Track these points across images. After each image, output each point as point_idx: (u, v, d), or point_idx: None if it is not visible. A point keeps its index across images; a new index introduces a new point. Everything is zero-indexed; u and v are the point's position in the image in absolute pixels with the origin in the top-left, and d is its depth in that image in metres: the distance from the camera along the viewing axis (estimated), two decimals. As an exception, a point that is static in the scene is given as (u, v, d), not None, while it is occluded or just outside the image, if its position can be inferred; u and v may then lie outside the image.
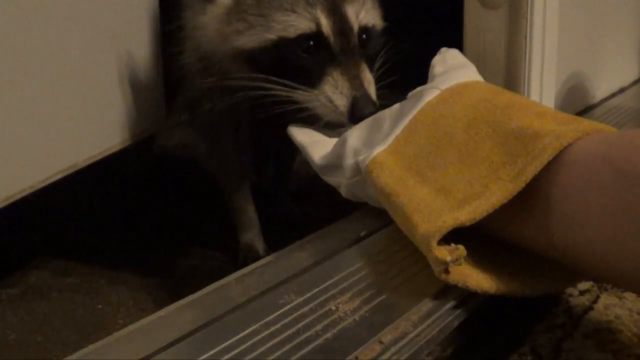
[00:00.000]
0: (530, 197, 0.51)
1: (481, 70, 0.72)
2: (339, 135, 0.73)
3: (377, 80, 0.80)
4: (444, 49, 0.77)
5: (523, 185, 0.50)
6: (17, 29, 0.80)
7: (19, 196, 0.82)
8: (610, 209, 0.46)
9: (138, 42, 1.04)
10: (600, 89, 1.17)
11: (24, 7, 0.81)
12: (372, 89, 0.77)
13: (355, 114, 0.73)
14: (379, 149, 0.63)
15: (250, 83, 0.77)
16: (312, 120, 0.77)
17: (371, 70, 0.80)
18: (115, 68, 0.99)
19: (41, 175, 0.86)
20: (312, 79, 0.75)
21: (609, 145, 0.49)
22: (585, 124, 0.53)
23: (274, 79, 0.75)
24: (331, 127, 0.75)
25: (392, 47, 0.83)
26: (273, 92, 0.76)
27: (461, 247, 0.50)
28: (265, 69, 0.76)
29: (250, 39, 0.77)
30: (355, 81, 0.75)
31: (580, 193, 0.48)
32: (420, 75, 0.74)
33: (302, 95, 0.75)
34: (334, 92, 0.75)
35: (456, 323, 0.51)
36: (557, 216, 0.49)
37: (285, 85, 0.75)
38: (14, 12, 0.79)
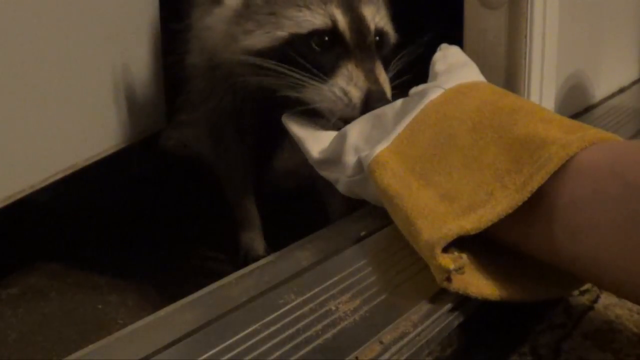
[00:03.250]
0: (535, 205, 0.50)
1: (481, 69, 0.72)
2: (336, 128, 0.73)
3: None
4: (444, 46, 0.77)
5: (529, 195, 0.50)
6: (17, 30, 0.80)
7: (19, 196, 0.83)
8: (616, 220, 0.45)
9: (137, 42, 1.04)
10: (600, 89, 1.17)
11: (24, 8, 0.81)
12: (387, 86, 0.76)
13: (369, 108, 0.72)
14: (381, 147, 0.62)
15: (257, 81, 0.76)
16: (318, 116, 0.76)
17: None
18: (116, 68, 0.99)
19: (41, 175, 0.87)
20: (324, 73, 0.74)
21: (616, 155, 0.49)
22: (591, 132, 0.52)
23: (284, 70, 0.73)
24: (339, 125, 0.73)
25: (402, 57, 0.82)
26: (282, 92, 0.75)
27: (464, 256, 0.50)
28: (275, 69, 0.75)
29: (260, 39, 0.76)
30: (371, 75, 0.74)
31: (585, 203, 0.48)
32: (420, 74, 0.74)
33: (313, 91, 0.74)
34: (348, 84, 0.73)
35: (456, 323, 0.51)
36: (562, 225, 0.49)
37: (295, 80, 0.73)
38: (14, 14, 0.79)
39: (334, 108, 0.74)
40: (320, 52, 0.75)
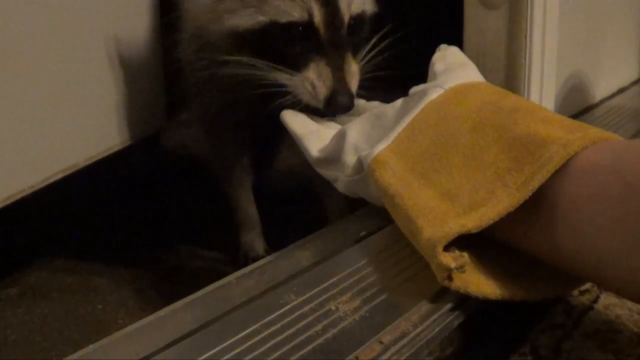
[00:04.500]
0: (536, 204, 0.50)
1: (481, 70, 0.72)
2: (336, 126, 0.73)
3: (365, 68, 0.82)
4: (443, 46, 0.77)
5: (530, 194, 0.50)
6: (17, 30, 0.80)
7: (19, 196, 0.83)
8: (617, 220, 0.45)
9: (137, 42, 1.04)
10: (600, 89, 1.17)
11: (24, 8, 0.81)
12: (353, 82, 0.79)
13: (332, 105, 0.76)
14: (381, 147, 0.62)
15: (240, 64, 0.78)
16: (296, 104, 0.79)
17: (356, 56, 0.81)
18: (115, 68, 0.99)
19: (41, 175, 0.87)
20: (298, 64, 0.77)
21: (617, 155, 0.49)
22: (592, 132, 0.52)
23: (262, 61, 0.77)
24: (312, 112, 0.78)
25: (383, 35, 0.83)
26: (260, 73, 0.78)
27: (465, 255, 0.50)
28: (256, 50, 0.78)
29: (243, 19, 0.78)
30: (338, 73, 0.77)
31: (586, 203, 0.48)
32: (419, 74, 0.74)
33: (287, 79, 0.78)
34: (317, 79, 0.77)
35: (456, 323, 0.51)
36: (563, 225, 0.49)
37: (273, 67, 0.77)
38: (13, 13, 0.79)
39: (303, 96, 0.78)
40: (294, 44, 0.77)
